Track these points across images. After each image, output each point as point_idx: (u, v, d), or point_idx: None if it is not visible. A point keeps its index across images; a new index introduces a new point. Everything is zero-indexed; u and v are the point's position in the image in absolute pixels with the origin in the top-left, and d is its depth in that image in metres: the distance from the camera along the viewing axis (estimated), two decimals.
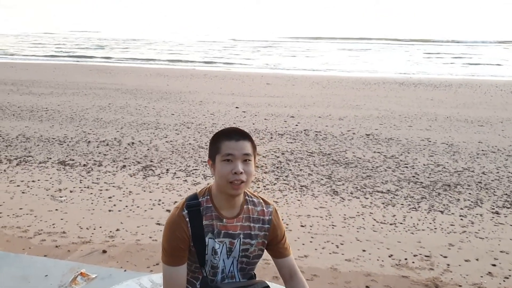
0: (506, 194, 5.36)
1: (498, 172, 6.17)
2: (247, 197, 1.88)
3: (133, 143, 7.31)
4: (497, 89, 13.73)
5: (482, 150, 7.22)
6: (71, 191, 5.10)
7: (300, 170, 6.11)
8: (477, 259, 3.77)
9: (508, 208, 4.94)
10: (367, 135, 8.03)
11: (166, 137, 7.72)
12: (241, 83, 14.21)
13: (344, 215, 4.66)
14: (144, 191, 5.20)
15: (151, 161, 6.36)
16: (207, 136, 7.75)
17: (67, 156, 6.52)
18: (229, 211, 1.82)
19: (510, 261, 3.75)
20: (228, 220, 1.81)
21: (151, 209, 4.67)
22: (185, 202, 1.82)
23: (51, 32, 43.07)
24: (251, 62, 22.78)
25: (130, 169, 6.00)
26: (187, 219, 1.78)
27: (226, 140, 1.74)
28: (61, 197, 4.92)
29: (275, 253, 1.94)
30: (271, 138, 7.73)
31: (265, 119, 9.15)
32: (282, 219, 1.92)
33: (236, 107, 10.23)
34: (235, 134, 1.76)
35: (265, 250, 1.94)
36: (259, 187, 5.39)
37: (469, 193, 5.37)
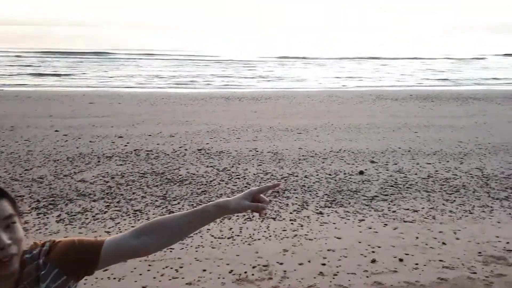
0: (326, 194, 5.90)
1: (317, 175, 6.77)
2: (25, 256, 1.31)
3: None
4: (309, 100, 15.27)
5: (303, 156, 7.88)
6: None
7: (133, 193, 5.78)
8: (309, 261, 4.02)
9: (329, 207, 5.43)
10: (199, 150, 8.06)
11: None
12: (60, 103, 13.01)
13: None
14: None
15: None
16: (22, 166, 6.81)
17: None
18: None
19: (336, 258, 4.09)
20: None
21: None
22: None
23: None
24: (68, 79, 21.15)
25: None
26: None
27: None
28: None
29: (92, 260, 1.36)
30: (99, 161, 7.18)
31: (90, 141, 8.49)
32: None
33: (56, 131, 9.29)
34: None
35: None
36: (87, 218, 4.90)
37: (296, 197, 5.77)
